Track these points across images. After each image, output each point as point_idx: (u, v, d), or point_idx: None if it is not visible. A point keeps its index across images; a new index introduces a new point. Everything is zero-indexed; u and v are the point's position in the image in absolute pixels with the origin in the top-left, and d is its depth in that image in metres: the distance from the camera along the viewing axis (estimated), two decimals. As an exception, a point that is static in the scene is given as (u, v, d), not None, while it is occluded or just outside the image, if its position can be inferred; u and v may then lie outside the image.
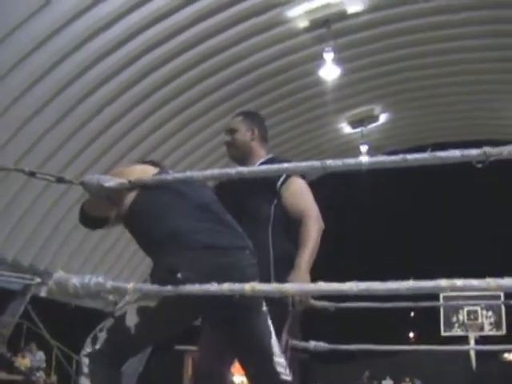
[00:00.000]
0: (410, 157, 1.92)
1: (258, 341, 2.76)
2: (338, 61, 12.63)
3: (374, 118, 16.69)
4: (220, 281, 2.14)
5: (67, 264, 13.09)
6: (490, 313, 17.67)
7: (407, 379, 20.18)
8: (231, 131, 3.79)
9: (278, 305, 3.26)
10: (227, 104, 13.24)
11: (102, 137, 12.07)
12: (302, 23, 12.26)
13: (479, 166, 1.86)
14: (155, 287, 2.38)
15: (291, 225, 3.59)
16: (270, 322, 2.80)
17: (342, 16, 12.31)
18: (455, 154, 1.85)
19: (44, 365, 14.59)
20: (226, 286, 2.01)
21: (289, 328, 3.48)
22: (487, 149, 1.79)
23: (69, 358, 15.27)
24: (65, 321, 16.25)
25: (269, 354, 2.75)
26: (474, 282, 1.76)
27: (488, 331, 17.80)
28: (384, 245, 27.99)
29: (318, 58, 12.68)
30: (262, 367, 2.78)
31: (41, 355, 14.56)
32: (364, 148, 16.86)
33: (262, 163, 3.67)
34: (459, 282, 1.77)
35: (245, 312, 2.72)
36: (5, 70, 9.59)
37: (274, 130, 15.30)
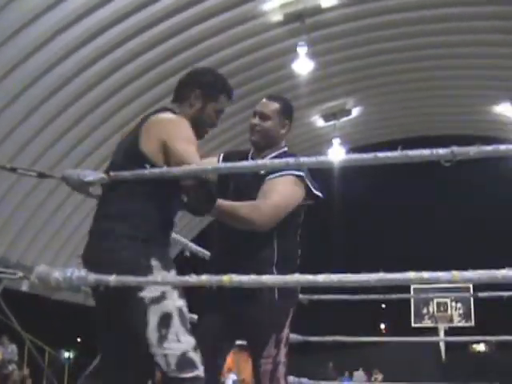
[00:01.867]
0: (380, 155, 2.01)
1: (132, 332, 2.67)
2: (312, 55, 12.71)
3: (347, 112, 16.81)
4: None
5: (39, 256, 13.04)
6: (459, 304, 17.98)
7: (376, 371, 20.42)
8: (263, 117, 3.44)
9: (288, 299, 3.29)
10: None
11: (74, 128, 12.00)
12: (276, 17, 12.32)
13: (447, 164, 1.95)
14: (137, 279, 2.44)
15: (296, 227, 3.44)
16: (149, 313, 2.61)
17: (317, 10, 12.39)
18: (424, 152, 1.94)
19: (16, 358, 14.53)
20: (205, 278, 2.08)
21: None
22: (455, 148, 1.87)
23: (41, 350, 15.23)
24: (37, 313, 16.20)
25: (144, 345, 2.61)
26: (440, 274, 1.85)
27: (457, 322, 18.11)
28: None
29: (291, 52, 12.75)
30: (138, 359, 2.73)
31: (13, 348, 14.48)
32: (336, 141, 16.99)
33: (274, 156, 3.44)
34: (426, 275, 1.86)
35: (116, 304, 2.62)
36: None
37: (245, 124, 15.35)
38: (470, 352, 24.03)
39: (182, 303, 2.67)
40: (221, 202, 3.04)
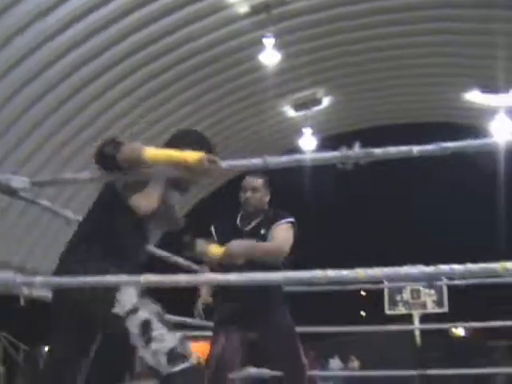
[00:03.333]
0: (269, 159, 2.07)
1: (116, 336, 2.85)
2: (279, 46, 12.72)
3: (318, 101, 16.81)
4: None
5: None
6: (432, 291, 18.10)
7: (353, 357, 20.56)
8: (254, 190, 4.50)
9: None
10: (167, 91, 13.27)
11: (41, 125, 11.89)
12: (243, 8, 12.31)
13: (341, 166, 1.97)
14: (64, 280, 2.49)
15: None
16: (128, 325, 2.77)
17: (282, 1, 12.40)
18: (321, 155, 1.98)
19: (-10, 355, 14.47)
20: (183, 277, 2.12)
21: None
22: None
23: (16, 347, 15.19)
24: (11, 311, 16.13)
25: (129, 347, 2.79)
26: (345, 273, 1.92)
27: (431, 309, 18.26)
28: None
29: (258, 44, 12.75)
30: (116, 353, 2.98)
31: (-13, 345, 14.43)
32: (308, 131, 17.04)
33: (265, 215, 4.55)
34: (332, 273, 1.92)
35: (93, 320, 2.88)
36: None
37: (215, 116, 15.34)
38: (446, 336, 24.27)
39: (156, 307, 2.81)
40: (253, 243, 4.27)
